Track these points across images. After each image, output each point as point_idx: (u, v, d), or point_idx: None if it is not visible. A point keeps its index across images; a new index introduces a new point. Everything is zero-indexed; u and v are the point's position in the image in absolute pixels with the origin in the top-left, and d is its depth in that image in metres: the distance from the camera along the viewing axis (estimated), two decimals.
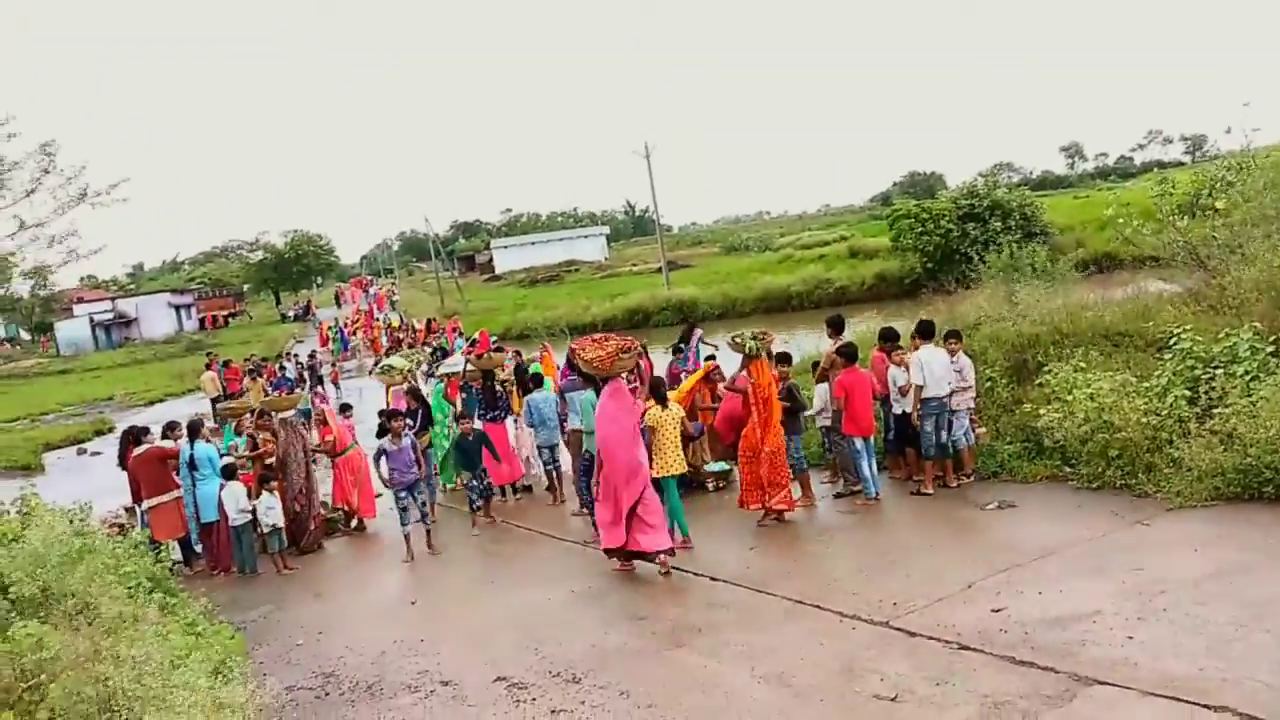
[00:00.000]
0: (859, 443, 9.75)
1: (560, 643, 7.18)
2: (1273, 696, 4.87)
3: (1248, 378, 8.60)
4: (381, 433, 11.04)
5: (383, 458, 10.29)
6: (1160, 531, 7.13)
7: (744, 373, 9.66)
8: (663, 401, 9.29)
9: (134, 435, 11.59)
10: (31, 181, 15.73)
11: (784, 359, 10.45)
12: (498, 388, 13.25)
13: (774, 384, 9.61)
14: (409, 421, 11.49)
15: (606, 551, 8.89)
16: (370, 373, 22.25)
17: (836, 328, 10.62)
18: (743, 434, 9.59)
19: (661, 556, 8.55)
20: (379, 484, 10.77)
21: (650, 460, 8.96)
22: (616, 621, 7.53)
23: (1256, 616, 5.80)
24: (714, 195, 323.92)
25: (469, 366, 13.61)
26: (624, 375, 9.24)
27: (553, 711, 6.04)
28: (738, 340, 9.64)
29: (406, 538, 10.21)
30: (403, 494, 10.12)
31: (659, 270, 53.06)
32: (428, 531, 10.43)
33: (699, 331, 14.79)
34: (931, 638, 6.25)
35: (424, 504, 10.42)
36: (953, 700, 5.42)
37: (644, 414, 9.07)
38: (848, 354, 9.86)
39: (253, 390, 22.63)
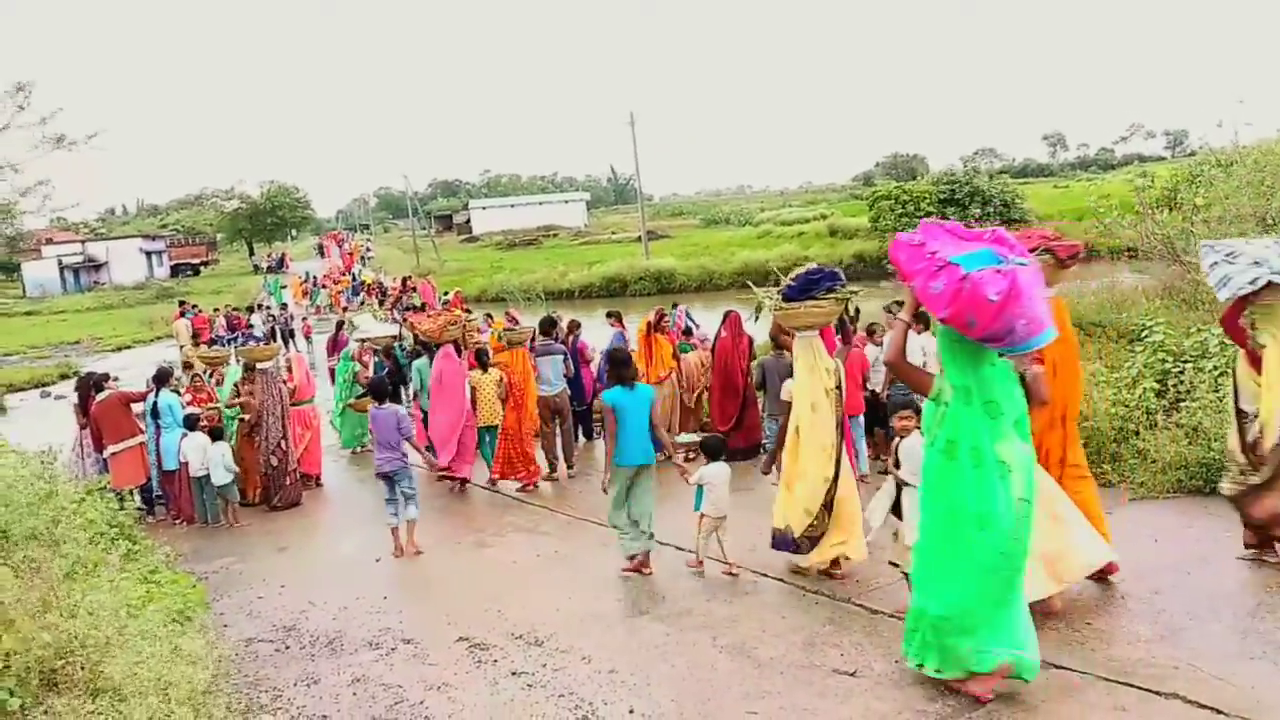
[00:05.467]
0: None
1: (524, 605, 7.19)
2: (1220, 686, 4.97)
3: (1216, 373, 8.71)
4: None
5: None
6: (1122, 521, 7.20)
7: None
8: (484, 367, 10.97)
9: (93, 382, 11.38)
10: (3, 120, 15.29)
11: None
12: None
13: (532, 372, 11.05)
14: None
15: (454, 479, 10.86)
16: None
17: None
18: (504, 414, 10.87)
19: (460, 485, 10.91)
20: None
21: (474, 410, 10.93)
22: (580, 586, 7.54)
23: (1210, 608, 5.91)
24: (696, 167, 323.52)
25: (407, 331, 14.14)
26: (453, 342, 11.07)
27: (514, 673, 6.05)
28: (506, 333, 11.67)
29: (394, 531, 8.83)
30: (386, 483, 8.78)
31: (638, 239, 52.90)
32: (409, 522, 8.83)
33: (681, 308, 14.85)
34: (892, 615, 6.31)
35: (406, 490, 8.83)
36: (909, 678, 5.48)
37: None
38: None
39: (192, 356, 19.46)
